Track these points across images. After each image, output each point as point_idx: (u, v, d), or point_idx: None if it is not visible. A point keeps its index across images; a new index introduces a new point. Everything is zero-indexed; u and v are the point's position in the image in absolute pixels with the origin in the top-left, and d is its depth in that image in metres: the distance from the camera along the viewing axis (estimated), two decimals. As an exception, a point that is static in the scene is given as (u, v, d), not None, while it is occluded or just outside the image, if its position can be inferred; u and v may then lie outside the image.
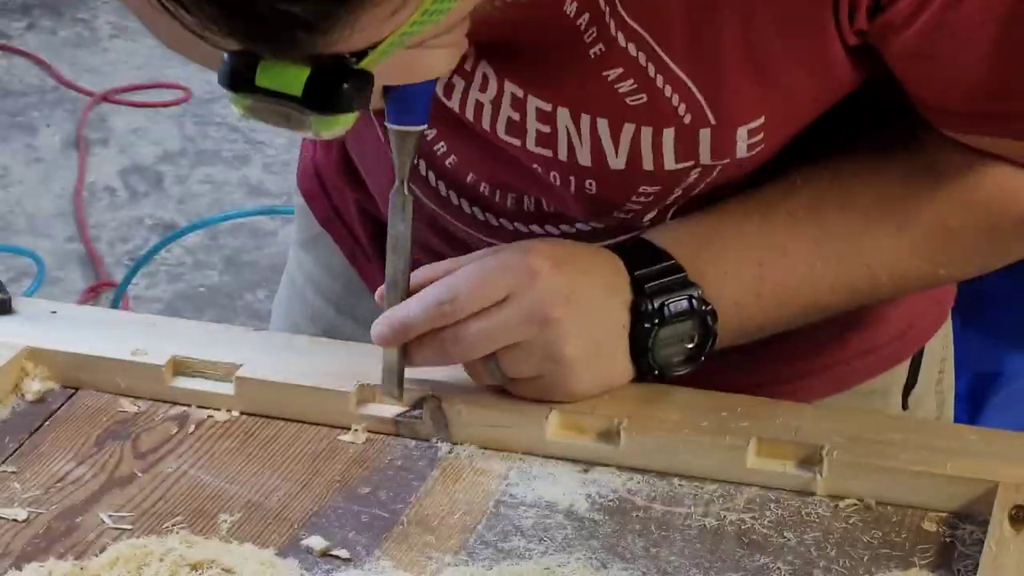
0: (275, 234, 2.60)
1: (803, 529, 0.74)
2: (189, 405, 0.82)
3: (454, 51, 0.71)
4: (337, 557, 0.71)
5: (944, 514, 0.75)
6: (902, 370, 0.95)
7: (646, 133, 0.78)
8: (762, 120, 0.77)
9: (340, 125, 0.65)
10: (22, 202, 2.67)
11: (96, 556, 0.70)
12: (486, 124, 0.81)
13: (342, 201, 0.98)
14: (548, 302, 0.76)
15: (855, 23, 0.73)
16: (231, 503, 0.75)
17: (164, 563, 0.68)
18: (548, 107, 0.79)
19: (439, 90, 0.80)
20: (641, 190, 0.81)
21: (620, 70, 0.76)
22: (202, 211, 2.66)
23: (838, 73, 0.77)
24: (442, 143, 0.85)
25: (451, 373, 0.82)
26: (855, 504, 0.75)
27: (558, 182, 0.82)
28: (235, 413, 0.82)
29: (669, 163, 0.79)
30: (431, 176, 0.87)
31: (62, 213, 2.64)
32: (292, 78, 0.63)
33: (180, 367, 0.83)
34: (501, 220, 0.87)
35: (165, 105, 2.95)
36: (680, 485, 0.77)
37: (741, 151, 0.78)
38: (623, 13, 0.74)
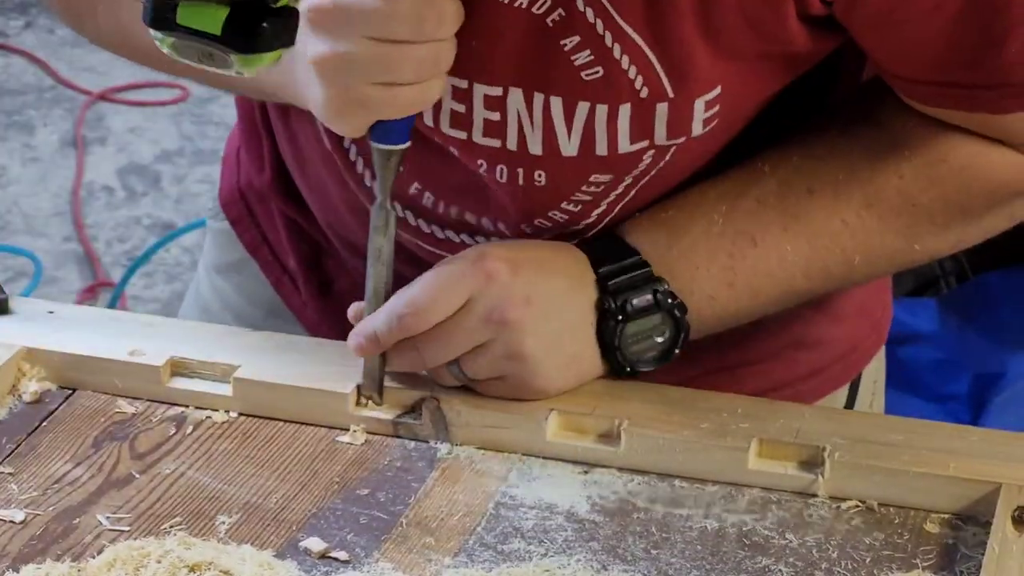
0: (273, 234, 2.59)
1: (805, 531, 0.73)
2: (187, 406, 0.82)
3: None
4: (336, 559, 0.71)
5: (947, 516, 0.74)
6: (842, 393, 0.95)
7: (601, 112, 0.77)
8: (718, 90, 0.76)
9: (262, 63, 0.67)
10: (19, 202, 2.66)
11: (93, 558, 0.69)
12: (428, 120, 0.80)
13: (270, 225, 0.96)
14: (506, 304, 0.76)
15: None
16: (229, 504, 0.75)
17: (162, 565, 0.68)
18: (498, 91, 0.78)
19: None
20: (592, 179, 0.80)
21: (577, 38, 0.75)
22: (200, 210, 2.65)
23: (795, 45, 0.76)
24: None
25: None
26: (857, 506, 0.75)
27: (504, 177, 0.81)
28: (233, 414, 0.81)
29: (623, 145, 0.78)
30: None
31: (59, 212, 2.64)
32: (211, 17, 0.64)
33: (178, 368, 0.83)
34: (447, 232, 0.86)
35: (163, 104, 2.94)
36: (681, 487, 0.77)
37: (697, 128, 0.78)
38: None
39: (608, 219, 0.83)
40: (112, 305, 2.36)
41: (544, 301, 0.77)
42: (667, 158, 0.79)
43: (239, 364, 0.82)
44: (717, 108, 0.77)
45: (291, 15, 0.66)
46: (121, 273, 2.47)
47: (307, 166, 0.90)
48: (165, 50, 0.68)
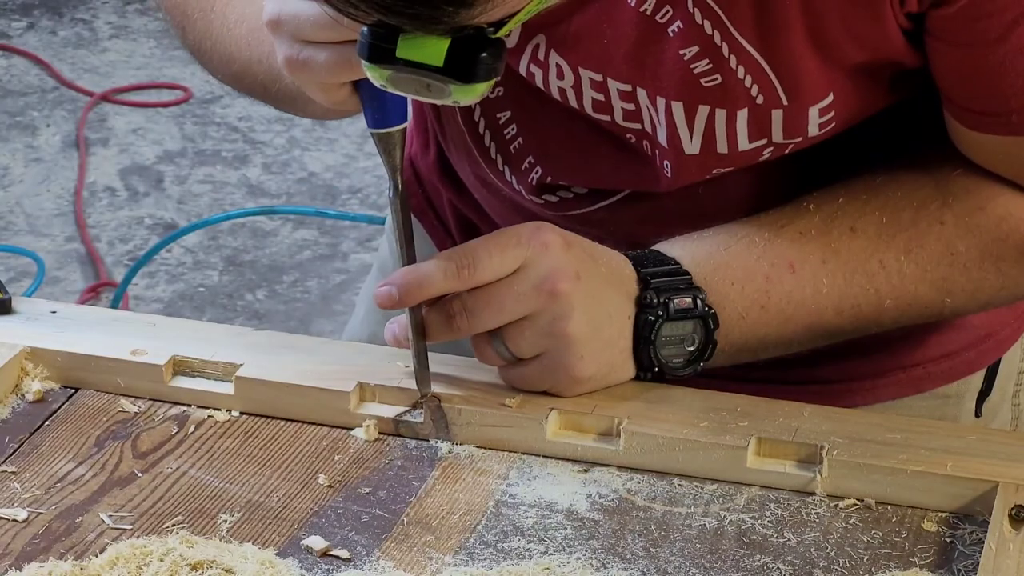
0: (275, 234, 2.60)
1: (803, 529, 0.74)
2: (189, 405, 0.82)
3: None
4: (337, 557, 0.71)
5: (944, 514, 0.75)
6: (977, 378, 0.95)
7: (720, 115, 0.80)
8: (831, 98, 0.78)
9: (478, 93, 0.69)
10: (22, 202, 2.67)
11: (96, 556, 0.70)
12: (573, 103, 0.83)
13: (436, 196, 0.99)
14: (558, 274, 0.77)
15: (906, 5, 0.74)
16: (231, 503, 0.75)
17: (164, 563, 0.68)
18: (628, 87, 0.81)
19: (523, 70, 0.83)
20: (714, 172, 0.83)
21: (696, 48, 0.77)
22: (202, 211, 2.66)
23: (898, 55, 0.78)
24: (513, 126, 0.88)
25: (451, 372, 0.82)
26: (855, 504, 0.75)
27: (649, 151, 0.84)
28: (235, 413, 0.82)
29: (743, 144, 0.81)
30: (499, 160, 0.89)
31: (62, 213, 2.64)
32: (433, 49, 0.66)
33: (180, 367, 0.83)
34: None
35: (165, 105, 2.95)
36: (680, 485, 0.77)
37: (813, 130, 0.80)
38: None
39: None
40: (114, 305, 2.36)
41: (592, 281, 0.78)
42: (786, 152, 0.82)
43: (241, 363, 0.82)
44: (832, 114, 0.79)
45: (502, 45, 0.68)
46: (123, 273, 2.47)
47: (450, 146, 0.93)
48: (379, 83, 0.70)
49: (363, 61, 0.68)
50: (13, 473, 0.77)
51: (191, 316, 2.30)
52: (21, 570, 0.69)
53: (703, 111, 0.80)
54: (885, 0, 0.74)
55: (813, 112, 0.79)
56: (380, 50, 0.67)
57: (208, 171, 2.77)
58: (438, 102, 0.72)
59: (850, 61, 0.78)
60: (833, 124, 0.80)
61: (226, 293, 2.48)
